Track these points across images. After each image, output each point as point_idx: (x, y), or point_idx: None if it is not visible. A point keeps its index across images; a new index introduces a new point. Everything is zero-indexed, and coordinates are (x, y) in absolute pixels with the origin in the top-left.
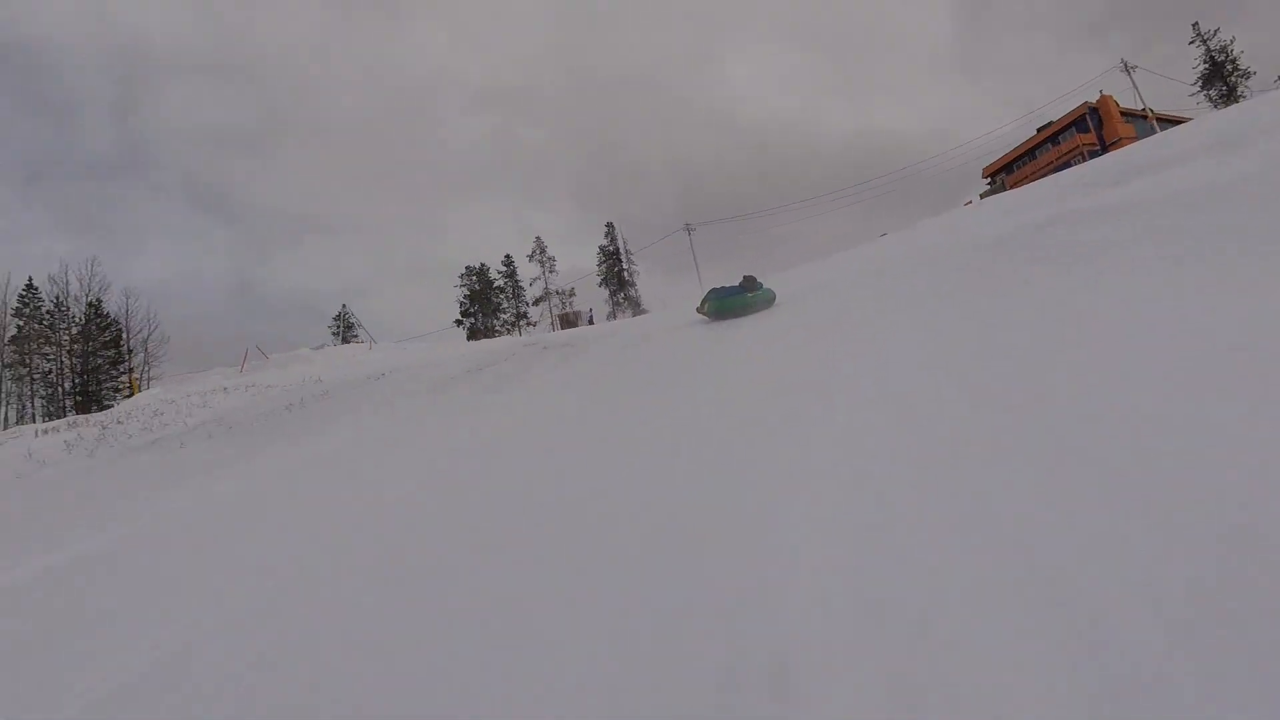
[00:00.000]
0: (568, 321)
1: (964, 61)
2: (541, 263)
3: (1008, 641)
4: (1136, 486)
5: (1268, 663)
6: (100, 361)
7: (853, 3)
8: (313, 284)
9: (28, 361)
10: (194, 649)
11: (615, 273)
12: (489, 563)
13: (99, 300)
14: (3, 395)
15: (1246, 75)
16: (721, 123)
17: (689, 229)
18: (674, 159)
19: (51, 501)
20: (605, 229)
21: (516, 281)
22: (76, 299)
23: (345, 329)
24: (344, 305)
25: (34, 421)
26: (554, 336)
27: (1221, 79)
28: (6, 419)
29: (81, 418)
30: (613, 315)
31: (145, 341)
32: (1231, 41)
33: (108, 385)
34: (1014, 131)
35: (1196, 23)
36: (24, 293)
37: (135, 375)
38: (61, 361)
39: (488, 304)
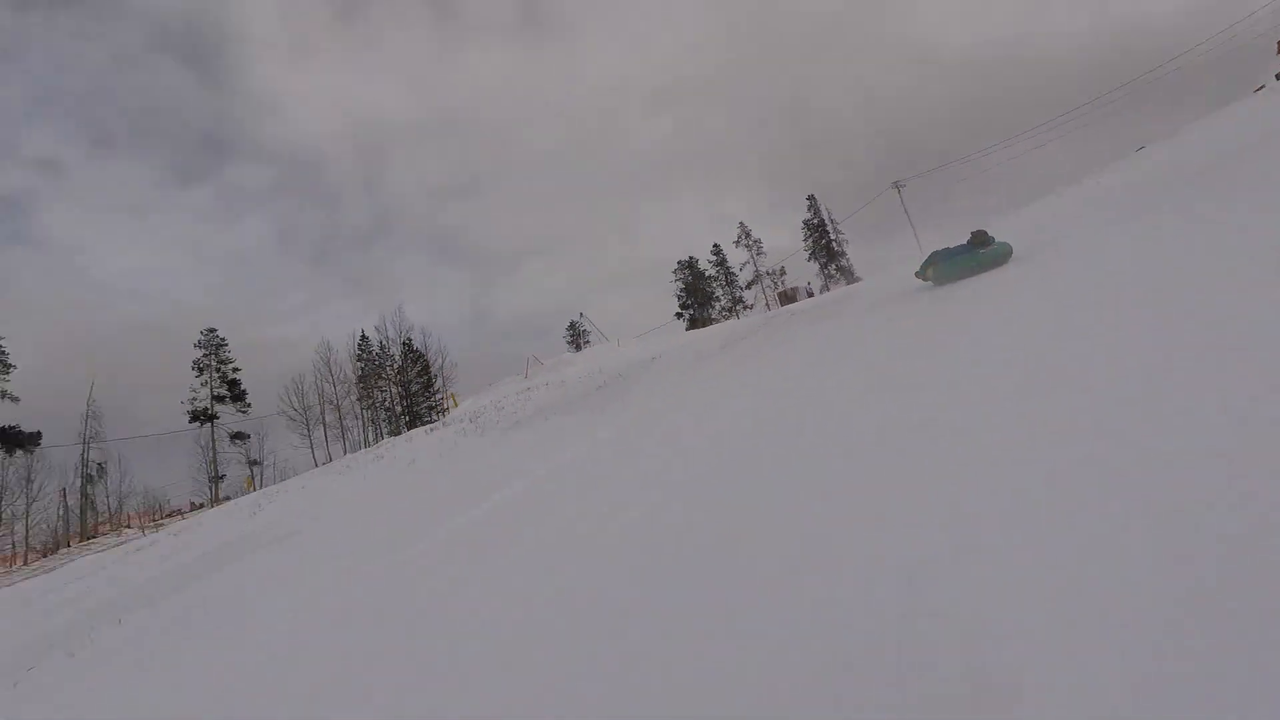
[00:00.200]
0: (787, 298)
1: None
2: (748, 247)
3: None
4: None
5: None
6: (416, 388)
7: None
8: (531, 304)
9: (371, 395)
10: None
11: (823, 245)
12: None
13: (409, 339)
14: (362, 422)
15: None
16: (921, 57)
17: (898, 186)
18: (870, 113)
19: (474, 467)
20: (806, 202)
21: (727, 269)
22: (393, 340)
23: (577, 335)
24: (580, 314)
25: (381, 440)
26: (797, 306)
27: None
28: (366, 440)
29: (423, 428)
30: (825, 288)
31: (442, 368)
32: None
33: (424, 405)
34: None
35: None
36: (360, 342)
37: (449, 392)
38: (391, 391)
39: (702, 294)
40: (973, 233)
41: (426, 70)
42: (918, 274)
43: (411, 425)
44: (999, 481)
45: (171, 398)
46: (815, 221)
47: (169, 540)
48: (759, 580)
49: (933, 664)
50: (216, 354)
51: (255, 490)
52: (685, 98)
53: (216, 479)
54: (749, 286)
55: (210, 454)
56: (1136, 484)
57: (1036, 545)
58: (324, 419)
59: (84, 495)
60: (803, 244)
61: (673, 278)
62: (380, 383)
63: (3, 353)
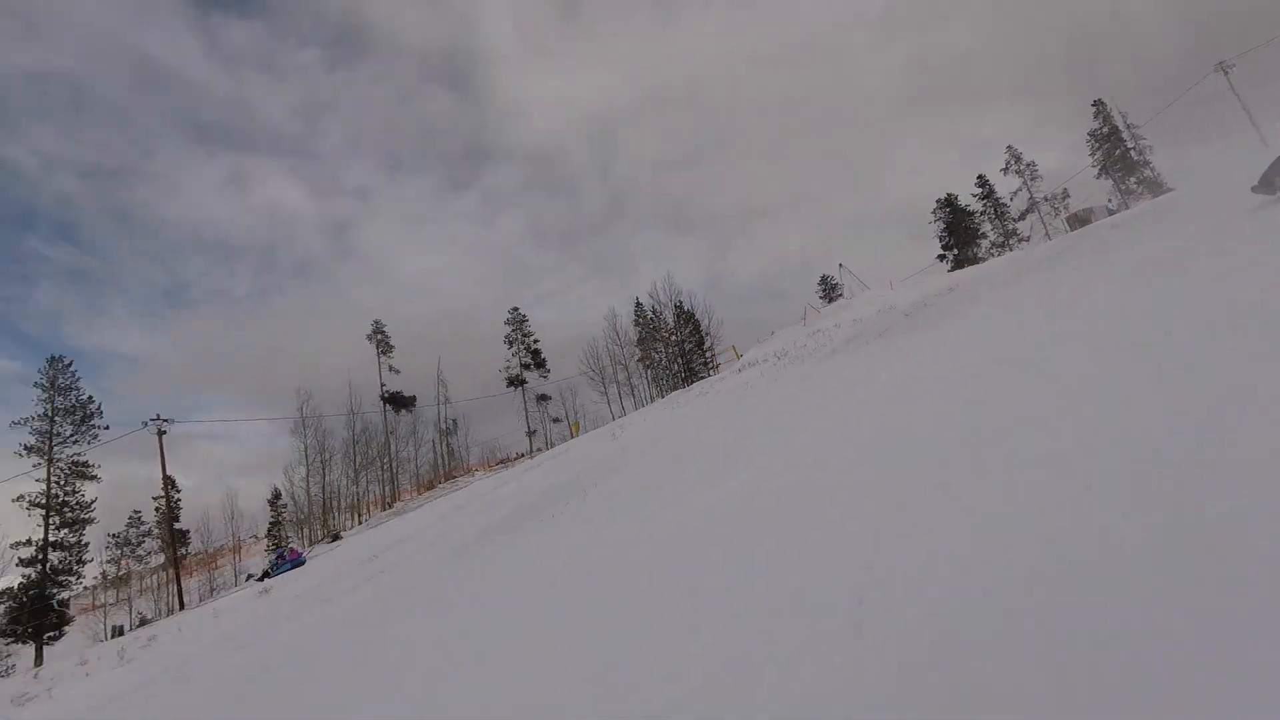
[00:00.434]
0: (1080, 221)
1: None
2: (1019, 172)
3: None
4: None
5: None
6: (690, 346)
7: None
8: (766, 265)
9: (648, 355)
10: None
11: (1117, 156)
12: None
13: (680, 303)
14: (645, 380)
15: None
16: None
17: (1224, 69)
18: None
19: (819, 382)
20: (1093, 109)
21: (996, 201)
22: (664, 305)
23: (829, 289)
24: (840, 264)
25: (662, 397)
26: (1116, 218)
27: None
28: (650, 396)
29: (723, 372)
30: (1124, 205)
31: (709, 326)
32: None
33: (698, 361)
34: None
35: None
36: (636, 309)
37: (731, 345)
38: (666, 351)
39: (966, 232)
40: None
41: (643, 49)
42: (1256, 188)
43: (689, 381)
44: None
45: (484, 369)
46: (1104, 131)
47: (540, 467)
48: None
49: None
50: (520, 329)
51: (580, 435)
52: (917, 17)
53: (530, 433)
54: (1022, 217)
55: (524, 412)
56: None
57: None
58: (616, 378)
59: (445, 444)
60: (1090, 158)
61: (931, 219)
62: (655, 344)
63: (386, 336)
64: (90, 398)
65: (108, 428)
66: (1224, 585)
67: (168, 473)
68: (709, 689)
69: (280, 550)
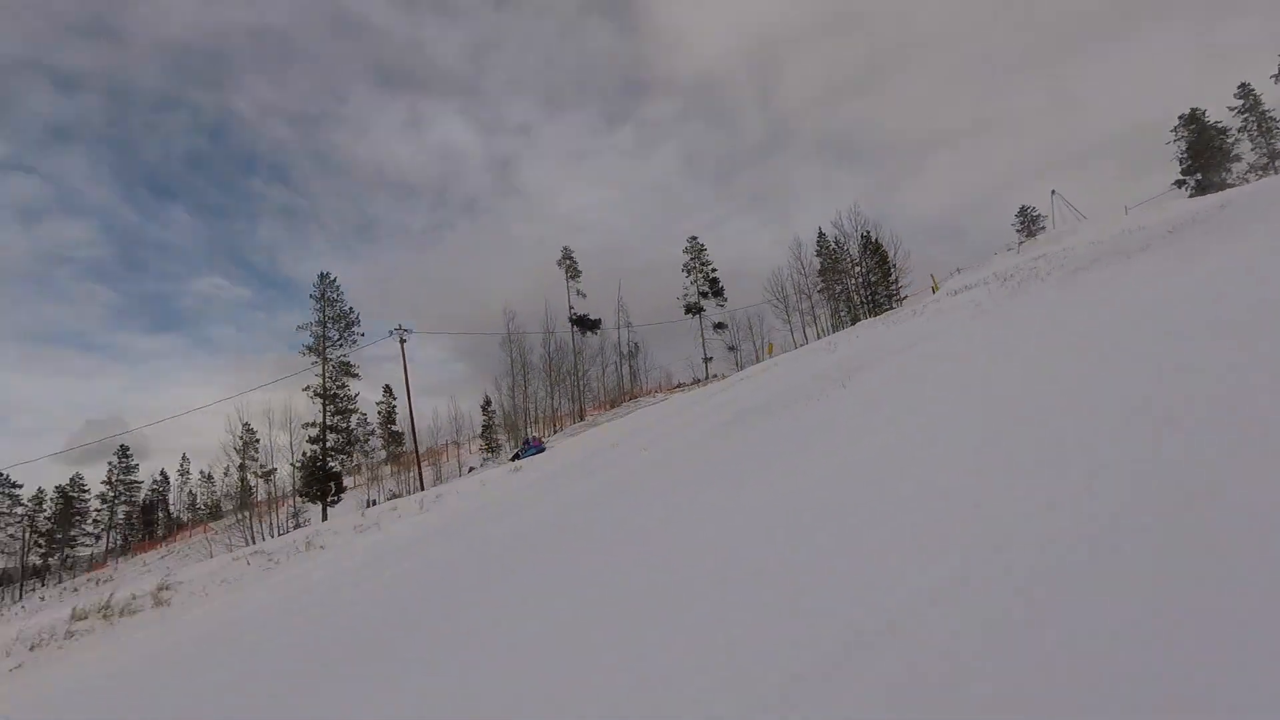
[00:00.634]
0: None
1: None
2: None
3: None
4: None
5: None
6: (875, 277)
7: None
8: (943, 201)
9: (830, 286)
10: None
11: None
12: None
13: (867, 232)
14: (828, 311)
15: None
16: None
17: None
18: None
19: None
20: None
21: (1262, 114)
22: (849, 235)
23: (1028, 222)
24: (1053, 191)
25: (847, 326)
26: None
27: None
28: (831, 326)
29: (933, 295)
30: None
31: (895, 256)
32: None
33: (883, 294)
34: None
35: None
36: (818, 239)
37: (930, 274)
38: (848, 282)
39: (1216, 153)
40: None
41: None
42: None
43: (874, 312)
44: None
45: (640, 303)
46: None
47: (744, 383)
48: None
49: None
50: (699, 257)
51: (772, 356)
52: None
53: (706, 360)
54: None
55: (700, 338)
56: None
57: None
58: (799, 306)
59: (627, 366)
60: None
61: (1170, 138)
62: (837, 275)
63: (574, 261)
64: (350, 308)
65: (364, 334)
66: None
67: (381, 384)
68: None
69: (527, 438)
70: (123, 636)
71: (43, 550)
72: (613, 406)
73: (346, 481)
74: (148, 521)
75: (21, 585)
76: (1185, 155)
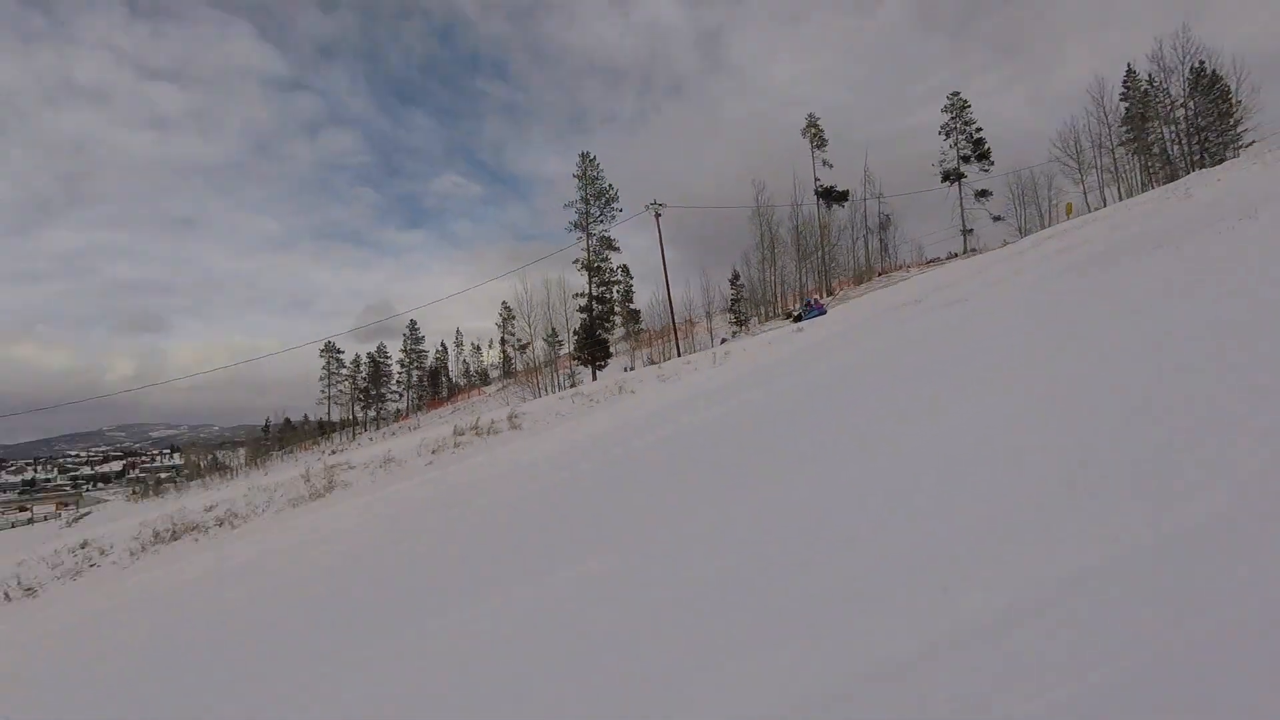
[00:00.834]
0: None
1: None
2: None
3: None
4: None
5: None
6: (1205, 121)
7: None
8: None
9: (1139, 138)
10: None
11: None
12: None
13: (1200, 63)
14: (1135, 166)
15: None
16: None
17: None
18: None
19: None
20: None
21: None
22: (1171, 70)
23: None
24: None
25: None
26: None
27: None
28: (1142, 184)
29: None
30: None
31: (1237, 91)
32: None
33: (1216, 141)
34: None
35: None
36: (1125, 78)
37: (1252, 125)
38: (1162, 132)
39: None
40: None
41: None
42: None
43: (1197, 165)
44: None
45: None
46: None
47: (1054, 240)
48: None
49: None
50: (960, 115)
51: (1071, 217)
52: None
53: (965, 231)
54: None
55: (959, 208)
56: None
57: None
58: (1097, 162)
59: (877, 240)
60: None
61: None
62: (1149, 123)
63: (820, 130)
64: (610, 185)
65: (621, 209)
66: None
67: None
68: None
69: (808, 300)
70: (495, 448)
71: (362, 403)
72: (859, 283)
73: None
74: (434, 384)
75: (353, 430)
76: None
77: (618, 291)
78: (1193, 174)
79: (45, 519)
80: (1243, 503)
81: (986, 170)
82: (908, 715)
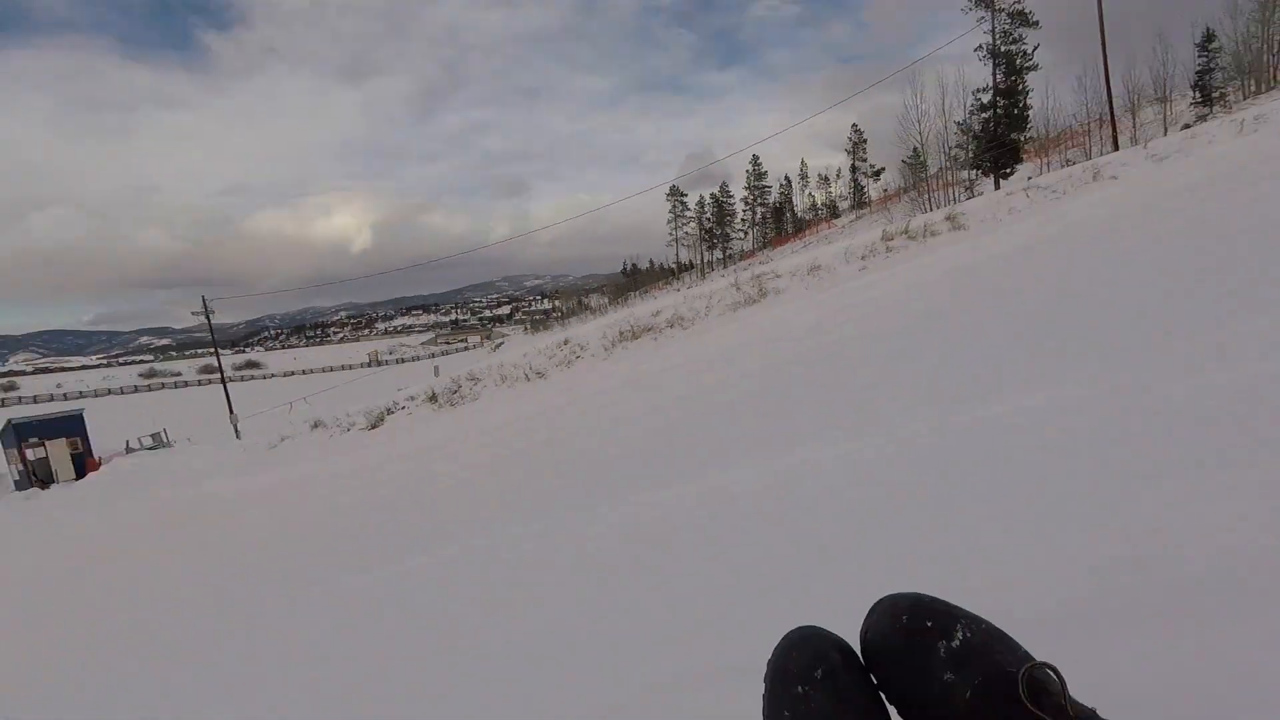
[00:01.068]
0: None
1: None
2: None
3: None
4: None
5: None
6: None
7: None
8: None
9: None
10: None
11: None
12: None
13: None
14: None
15: None
16: None
17: None
18: None
19: None
20: None
21: None
22: None
23: None
24: None
25: None
26: None
27: None
28: None
29: None
30: None
31: None
32: None
33: None
34: None
35: None
36: None
37: None
38: None
39: None
40: None
41: None
42: None
43: None
44: None
45: None
46: None
47: None
48: None
49: None
50: None
51: None
52: None
53: None
54: None
55: None
56: None
57: None
58: None
59: None
60: None
61: None
62: None
63: None
64: None
65: None
66: None
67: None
68: None
69: None
70: (936, 250)
71: (707, 243)
72: None
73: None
74: (778, 221)
75: (702, 268)
76: None
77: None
78: None
79: (472, 347)
80: None
81: None
82: None
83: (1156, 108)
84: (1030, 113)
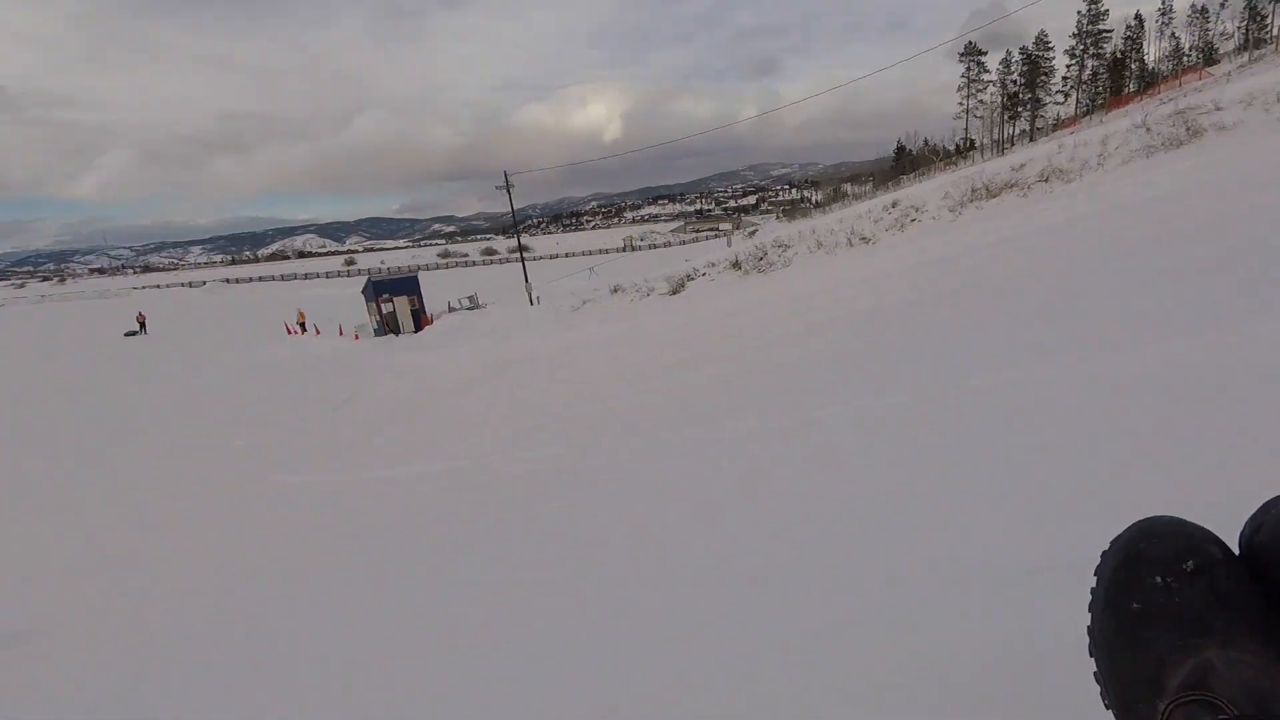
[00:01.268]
0: None
1: None
2: None
3: None
4: None
5: None
6: None
7: None
8: None
9: None
10: None
11: None
12: None
13: None
14: None
15: None
16: None
17: None
18: None
19: None
20: None
21: None
22: None
23: None
24: None
25: None
26: None
27: None
28: None
29: None
30: None
31: None
32: None
33: None
34: None
35: None
36: None
37: None
38: None
39: None
40: None
41: None
42: None
43: None
44: None
45: None
46: None
47: None
48: None
49: None
50: None
51: None
52: None
53: None
54: None
55: None
56: None
57: None
58: None
59: None
60: None
61: None
62: None
63: None
64: None
65: None
66: None
67: None
68: None
69: None
70: None
71: (1009, 112)
72: None
73: None
74: (1116, 77)
75: (1000, 145)
76: None
77: None
78: None
79: (723, 235)
80: None
81: None
82: None
83: None
84: None
